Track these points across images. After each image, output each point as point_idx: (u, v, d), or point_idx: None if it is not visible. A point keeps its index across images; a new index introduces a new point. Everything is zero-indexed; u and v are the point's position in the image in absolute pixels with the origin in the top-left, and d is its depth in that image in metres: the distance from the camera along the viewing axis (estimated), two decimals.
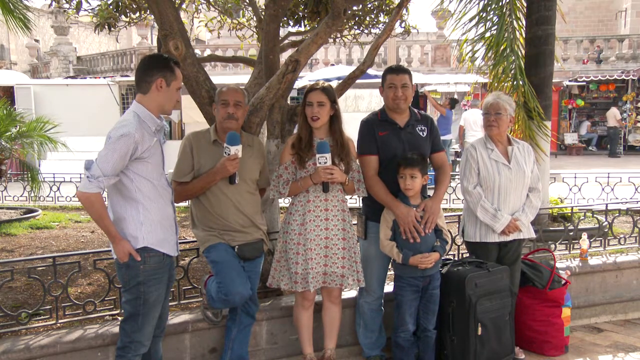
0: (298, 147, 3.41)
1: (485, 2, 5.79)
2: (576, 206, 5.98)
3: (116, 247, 2.79)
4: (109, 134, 2.72)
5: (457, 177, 9.45)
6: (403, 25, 6.57)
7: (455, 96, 16.41)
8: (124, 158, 2.68)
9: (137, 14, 6.00)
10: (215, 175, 3.21)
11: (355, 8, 5.64)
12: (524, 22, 5.70)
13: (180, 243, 3.12)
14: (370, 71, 10.32)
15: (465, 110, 13.61)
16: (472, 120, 11.39)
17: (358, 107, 12.00)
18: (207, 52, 19.10)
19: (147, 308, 2.85)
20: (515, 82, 5.53)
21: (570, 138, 18.38)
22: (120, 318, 3.58)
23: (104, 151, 2.67)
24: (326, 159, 3.24)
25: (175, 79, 2.84)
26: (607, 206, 5.33)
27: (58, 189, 8.57)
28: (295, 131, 3.82)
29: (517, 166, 3.69)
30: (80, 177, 8.36)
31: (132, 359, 2.89)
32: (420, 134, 3.59)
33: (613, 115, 17.92)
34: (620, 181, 7.33)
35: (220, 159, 3.20)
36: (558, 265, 4.16)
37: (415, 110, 3.65)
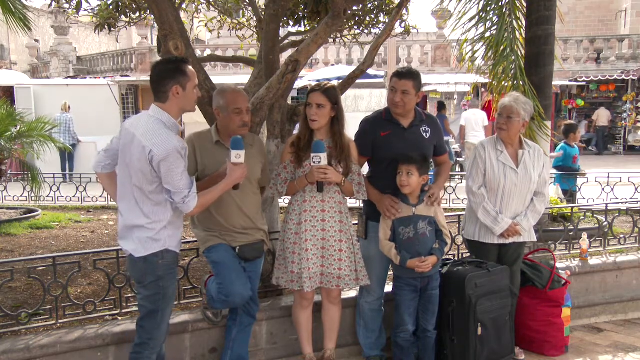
0: (297, 146, 3.41)
1: (485, 2, 5.79)
2: (576, 206, 5.98)
3: (234, 175, 2.94)
4: (154, 155, 2.67)
5: (456, 177, 9.49)
6: (403, 25, 6.56)
7: (455, 96, 16.44)
8: (185, 166, 2.76)
9: (137, 14, 6.00)
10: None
11: (355, 8, 5.63)
12: (524, 22, 5.70)
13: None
14: (370, 71, 10.32)
15: (465, 110, 13.61)
16: (474, 120, 11.39)
17: (358, 107, 12.00)
18: (207, 52, 19.09)
19: (165, 303, 2.87)
20: (515, 82, 5.52)
21: None
22: (120, 318, 3.60)
23: (168, 174, 2.70)
24: (320, 158, 3.22)
25: (190, 80, 2.83)
26: (607, 206, 5.32)
27: (58, 189, 8.57)
28: (295, 131, 3.82)
29: (525, 171, 3.66)
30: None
31: (149, 357, 2.90)
32: (424, 134, 3.57)
33: (604, 116, 18.19)
34: (620, 181, 7.33)
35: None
36: (558, 265, 4.16)
37: (421, 110, 3.63)
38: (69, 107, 12.55)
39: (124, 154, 2.82)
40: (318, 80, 9.42)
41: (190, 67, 2.87)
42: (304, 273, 3.34)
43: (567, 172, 7.16)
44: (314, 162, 3.24)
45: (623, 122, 18.43)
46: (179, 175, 2.72)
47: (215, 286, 3.26)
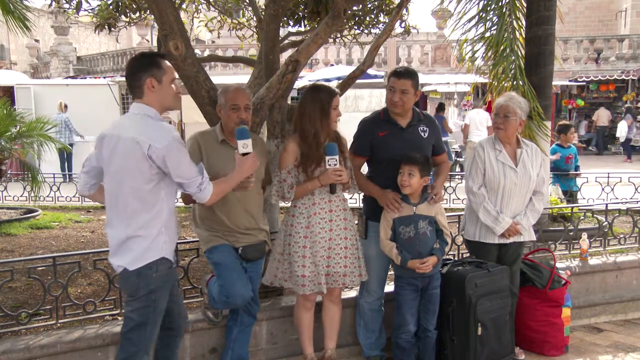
0: (306, 160, 3.33)
1: (485, 2, 5.79)
2: (576, 206, 5.98)
3: (245, 166, 2.85)
4: (155, 149, 2.56)
5: (456, 177, 9.49)
6: (403, 25, 6.56)
7: (455, 96, 16.44)
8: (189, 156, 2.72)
9: (137, 14, 6.00)
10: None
11: (355, 8, 5.63)
12: (524, 22, 5.70)
13: (180, 243, 3.10)
14: (370, 71, 10.32)
15: (466, 109, 13.62)
16: (478, 120, 11.38)
17: (358, 107, 12.01)
18: (207, 52, 19.09)
19: (156, 315, 2.76)
20: (515, 82, 5.52)
21: None
22: (120, 318, 3.60)
23: (177, 166, 2.61)
24: (336, 160, 3.24)
25: (165, 74, 2.70)
26: (607, 206, 5.33)
27: (58, 189, 8.57)
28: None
29: (524, 169, 3.66)
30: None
31: None
32: (422, 134, 3.58)
33: (604, 116, 18.27)
34: (620, 181, 7.33)
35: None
36: (558, 265, 4.16)
37: (418, 110, 3.64)
38: (65, 106, 12.54)
39: (109, 164, 2.68)
40: (316, 81, 9.42)
41: (167, 62, 2.76)
42: (316, 276, 3.34)
43: (559, 173, 7.14)
44: (330, 165, 3.23)
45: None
46: (187, 165, 2.65)
47: (217, 287, 3.26)
